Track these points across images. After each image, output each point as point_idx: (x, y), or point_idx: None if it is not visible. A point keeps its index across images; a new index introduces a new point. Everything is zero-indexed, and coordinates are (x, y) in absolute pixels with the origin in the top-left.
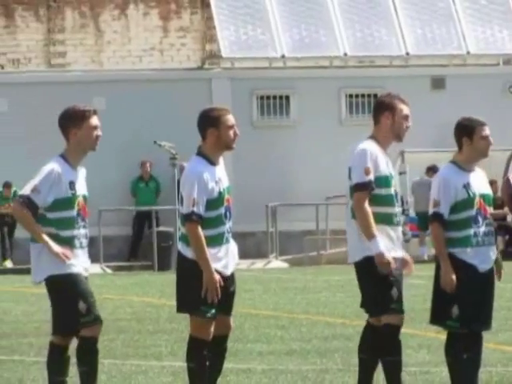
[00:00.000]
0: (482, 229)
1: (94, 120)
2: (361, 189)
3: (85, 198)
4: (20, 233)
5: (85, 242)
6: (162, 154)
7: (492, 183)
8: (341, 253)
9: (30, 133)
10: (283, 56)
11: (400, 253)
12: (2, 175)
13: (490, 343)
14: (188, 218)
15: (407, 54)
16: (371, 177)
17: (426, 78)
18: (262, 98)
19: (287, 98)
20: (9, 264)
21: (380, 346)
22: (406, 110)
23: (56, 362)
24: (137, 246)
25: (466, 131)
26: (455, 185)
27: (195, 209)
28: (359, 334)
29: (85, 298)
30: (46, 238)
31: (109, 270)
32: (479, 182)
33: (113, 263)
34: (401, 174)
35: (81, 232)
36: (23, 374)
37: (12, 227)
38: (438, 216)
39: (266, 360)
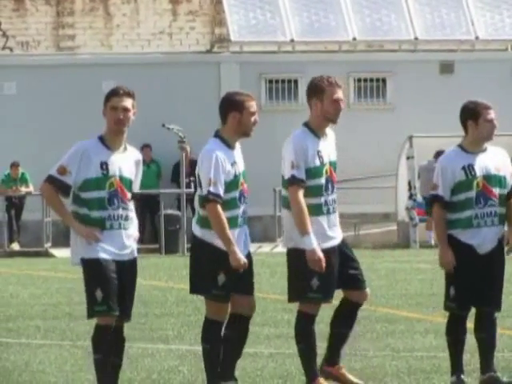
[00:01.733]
0: (485, 210)
1: (117, 101)
2: (291, 183)
3: (124, 180)
4: (27, 215)
5: (123, 223)
6: (169, 137)
7: None
8: (348, 237)
9: (38, 116)
10: (292, 40)
11: (337, 240)
12: (10, 158)
13: (497, 328)
14: (206, 199)
15: (416, 38)
16: (295, 171)
17: (434, 62)
18: (270, 81)
19: (296, 82)
20: (16, 247)
21: (295, 332)
22: (338, 93)
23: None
24: (142, 229)
25: (471, 115)
26: (453, 167)
27: (211, 188)
28: (366, 318)
29: (103, 287)
30: (72, 219)
31: None
32: (487, 163)
33: None
34: (408, 158)
35: (117, 213)
36: (30, 357)
37: (19, 210)
38: (435, 198)
39: (272, 344)
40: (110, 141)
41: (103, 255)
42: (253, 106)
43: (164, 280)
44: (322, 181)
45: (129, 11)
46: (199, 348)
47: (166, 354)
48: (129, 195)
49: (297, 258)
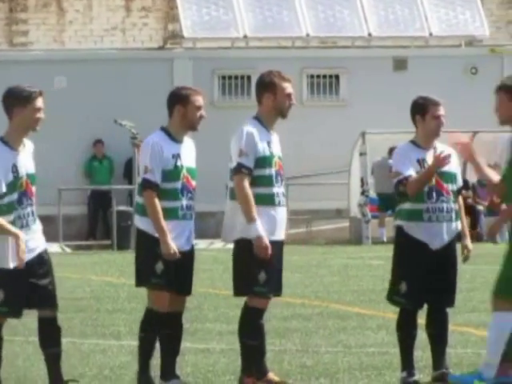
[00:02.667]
0: (437, 205)
1: (39, 102)
2: (237, 171)
3: (29, 176)
4: None
5: (30, 219)
6: (122, 133)
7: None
8: (301, 233)
9: None
10: (245, 36)
11: (282, 235)
12: None
13: (449, 324)
14: (141, 185)
15: (369, 35)
16: (243, 159)
17: (388, 59)
18: (223, 78)
19: (249, 78)
20: None
21: (240, 327)
22: (289, 88)
23: None
24: (94, 225)
25: (419, 110)
26: (410, 158)
27: (147, 176)
28: (318, 314)
29: (6, 289)
30: (9, 226)
31: (68, 249)
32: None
33: (72, 242)
34: (361, 154)
35: (26, 211)
36: None
37: None
38: (404, 179)
39: (225, 340)
40: (16, 141)
41: (10, 264)
42: (198, 100)
43: (116, 276)
44: (272, 171)
45: (82, 7)
46: None
47: (117, 350)
48: (34, 189)
49: (243, 250)
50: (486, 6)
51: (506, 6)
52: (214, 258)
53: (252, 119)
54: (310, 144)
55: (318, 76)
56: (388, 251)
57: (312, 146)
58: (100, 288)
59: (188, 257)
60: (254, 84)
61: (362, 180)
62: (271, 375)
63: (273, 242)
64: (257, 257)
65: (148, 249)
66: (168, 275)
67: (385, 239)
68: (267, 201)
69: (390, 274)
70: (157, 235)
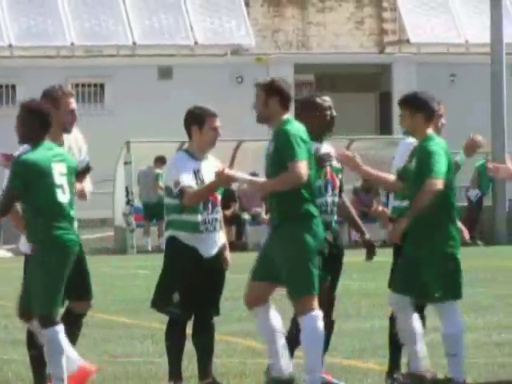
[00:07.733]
0: (212, 216)
1: None
2: None
3: None
4: None
5: None
6: None
7: None
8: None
9: None
10: (10, 45)
11: None
12: None
13: (215, 334)
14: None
15: (134, 43)
16: None
17: (153, 67)
18: None
19: (13, 87)
20: None
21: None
22: (72, 103)
23: None
24: None
25: (196, 120)
26: (187, 169)
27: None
28: (84, 324)
29: None
30: None
31: None
32: (211, 170)
33: None
34: (126, 163)
35: None
36: None
37: None
38: (184, 188)
39: None
40: None
41: None
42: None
43: None
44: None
45: None
46: None
47: None
48: None
49: None
50: (252, 15)
51: (272, 15)
52: None
53: None
54: None
55: (83, 85)
56: (153, 260)
57: None
58: None
59: None
60: (18, 93)
61: (126, 189)
62: None
63: None
64: None
65: None
66: None
67: (150, 248)
68: None
69: (155, 283)
70: None
